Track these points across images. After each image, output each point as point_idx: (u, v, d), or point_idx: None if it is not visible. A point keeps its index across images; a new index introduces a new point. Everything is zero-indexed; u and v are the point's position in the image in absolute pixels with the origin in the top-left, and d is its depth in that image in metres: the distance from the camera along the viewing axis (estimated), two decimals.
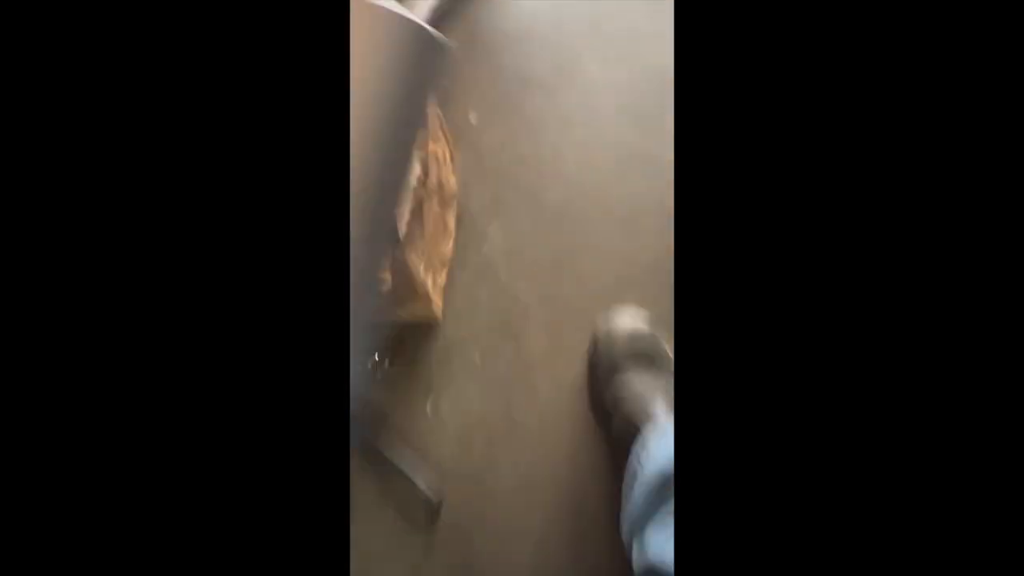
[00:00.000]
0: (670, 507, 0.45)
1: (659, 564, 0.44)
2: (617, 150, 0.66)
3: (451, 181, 0.60)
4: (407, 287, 0.52)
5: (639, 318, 0.57)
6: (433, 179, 0.51)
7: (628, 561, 0.47)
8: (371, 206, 0.28)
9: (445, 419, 0.58)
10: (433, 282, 0.58)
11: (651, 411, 0.51)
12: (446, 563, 0.53)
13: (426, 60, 0.29)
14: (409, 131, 0.29)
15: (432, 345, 0.61)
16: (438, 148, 0.54)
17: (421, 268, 0.53)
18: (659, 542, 0.44)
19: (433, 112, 0.52)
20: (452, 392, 0.59)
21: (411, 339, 0.61)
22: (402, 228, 0.45)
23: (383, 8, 0.28)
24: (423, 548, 0.54)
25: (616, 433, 0.53)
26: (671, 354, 0.56)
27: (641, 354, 0.55)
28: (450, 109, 0.67)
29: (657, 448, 0.47)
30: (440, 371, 0.60)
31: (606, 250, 0.62)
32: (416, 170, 0.46)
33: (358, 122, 0.27)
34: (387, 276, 0.52)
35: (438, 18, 0.33)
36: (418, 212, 0.48)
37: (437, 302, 0.59)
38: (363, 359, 0.33)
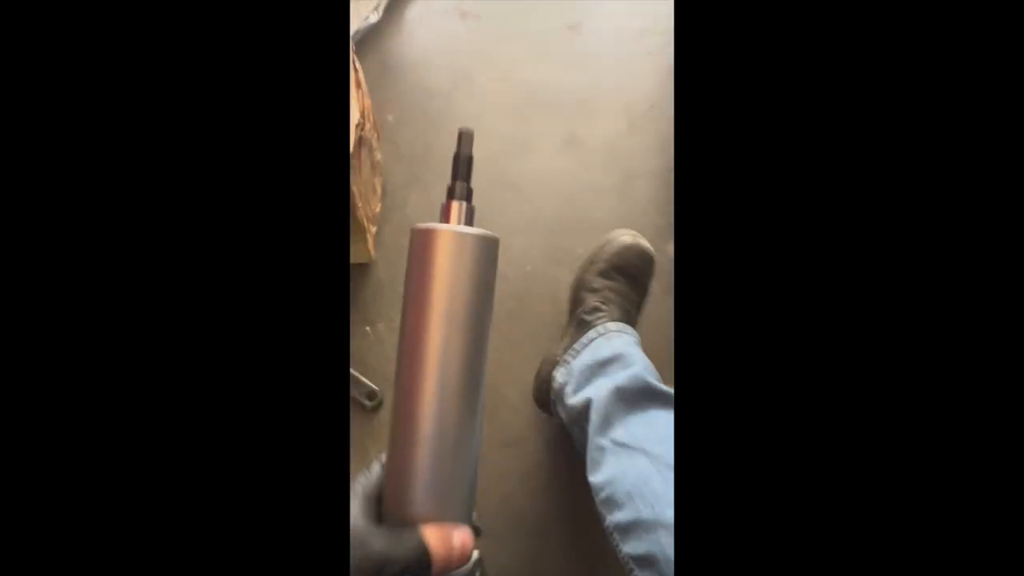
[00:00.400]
0: (590, 391, 0.58)
1: (578, 418, 0.58)
2: (501, 141, 0.88)
3: (378, 156, 0.79)
4: (354, 226, 0.69)
5: (640, 238, 0.69)
6: (368, 133, 0.68)
7: (544, 386, 0.63)
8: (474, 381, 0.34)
9: (382, 337, 0.74)
10: (368, 231, 0.75)
11: (615, 317, 0.65)
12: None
13: (491, 259, 0.34)
14: (487, 319, 0.34)
15: (366, 281, 0.77)
16: (367, 122, 0.72)
17: (362, 215, 0.70)
18: (576, 407, 0.59)
19: (363, 92, 0.70)
20: (386, 316, 0.75)
21: (350, 280, 0.77)
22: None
23: (459, 232, 0.33)
24: (370, 428, 0.69)
25: (580, 312, 0.66)
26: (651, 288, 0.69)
27: (621, 266, 0.68)
28: (373, 112, 0.86)
29: (601, 343, 0.62)
30: (375, 303, 0.76)
31: (500, 208, 0.83)
32: (355, 115, 0.64)
33: (452, 320, 0.32)
34: None
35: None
36: (357, 154, 0.66)
37: (372, 247, 0.76)
38: None
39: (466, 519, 0.34)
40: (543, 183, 0.84)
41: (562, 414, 0.62)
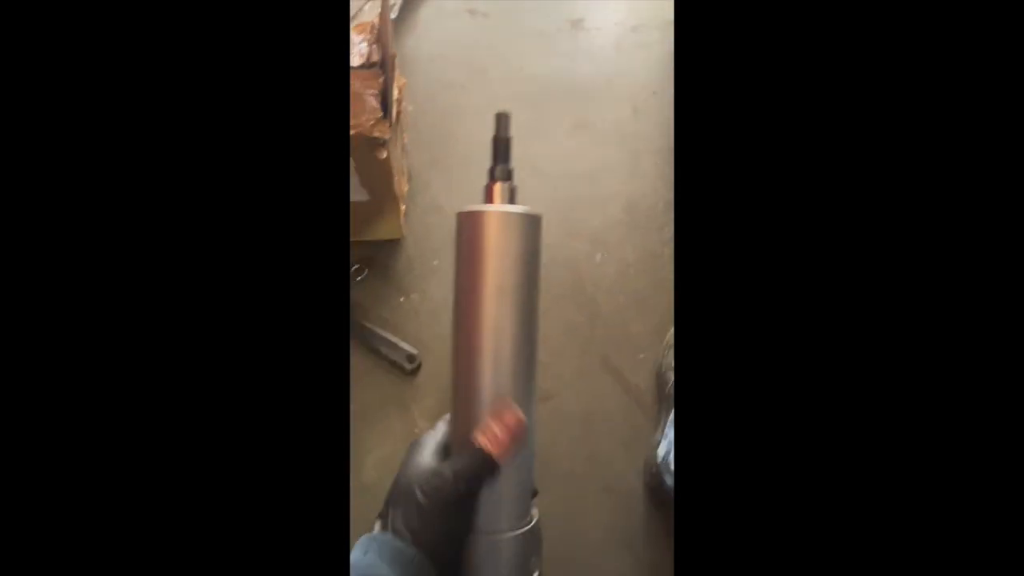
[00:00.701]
0: None
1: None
2: (515, 126, 0.94)
3: (406, 139, 0.84)
4: (390, 198, 0.74)
5: None
6: (401, 119, 0.73)
7: (653, 472, 0.63)
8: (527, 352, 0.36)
9: (416, 306, 0.79)
10: (400, 207, 0.80)
11: None
12: (429, 399, 0.73)
13: (536, 235, 0.36)
14: (536, 290, 0.36)
15: (399, 257, 0.82)
16: (404, 100, 0.77)
17: (397, 190, 0.75)
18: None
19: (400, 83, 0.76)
20: (419, 288, 0.80)
21: (381, 254, 0.81)
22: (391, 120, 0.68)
23: (505, 211, 0.36)
24: (411, 389, 0.73)
25: (668, 389, 0.69)
26: None
27: None
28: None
29: None
30: (407, 275, 0.81)
31: (519, 187, 0.88)
32: (396, 91, 0.69)
33: (504, 295, 0.34)
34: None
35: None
36: (396, 130, 0.71)
37: (402, 224, 0.81)
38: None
39: (528, 477, 0.36)
40: (557, 163, 0.89)
41: (670, 482, 0.61)
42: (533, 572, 0.36)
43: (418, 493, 0.33)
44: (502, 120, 0.39)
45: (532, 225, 0.36)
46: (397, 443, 0.71)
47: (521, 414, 0.35)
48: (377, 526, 0.35)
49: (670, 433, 0.65)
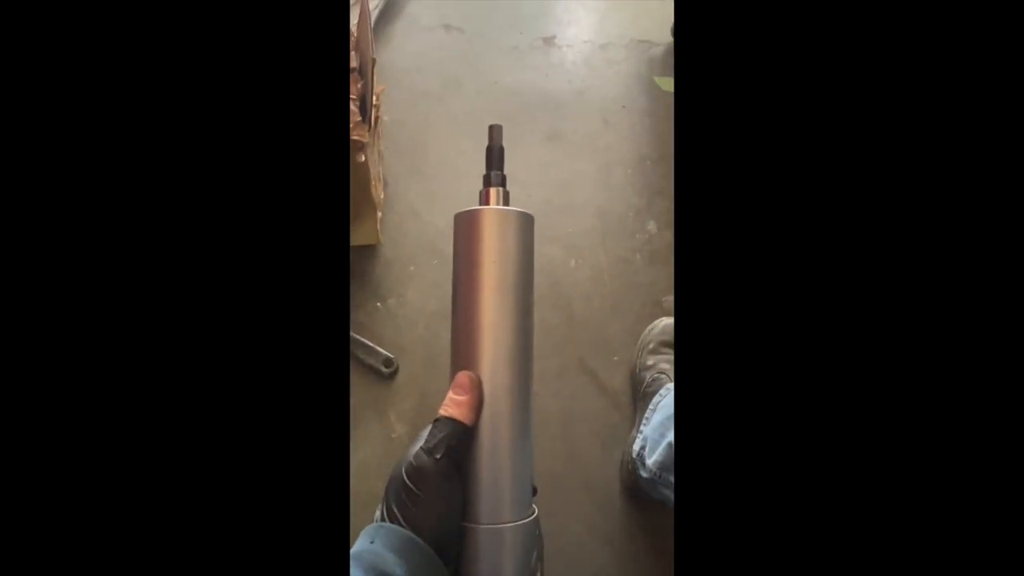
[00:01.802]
0: (669, 437, 0.59)
1: (661, 472, 0.61)
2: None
3: (381, 147, 0.85)
4: (367, 204, 0.74)
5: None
6: (378, 126, 0.74)
7: (629, 468, 0.64)
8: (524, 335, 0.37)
9: (393, 311, 0.79)
10: (377, 213, 0.80)
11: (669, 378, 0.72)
12: (406, 403, 0.73)
13: (531, 232, 0.38)
14: (531, 285, 0.38)
15: (376, 263, 0.82)
16: (380, 106, 0.78)
17: (375, 195, 0.76)
18: (658, 461, 0.61)
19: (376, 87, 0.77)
20: (396, 293, 0.80)
21: (358, 260, 0.81)
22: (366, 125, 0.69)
23: (502, 209, 0.37)
24: (388, 394, 0.73)
25: (644, 388, 0.71)
26: None
27: (668, 342, 0.75)
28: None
29: (669, 400, 0.67)
30: (384, 280, 0.81)
31: None
32: (374, 96, 0.70)
33: (502, 288, 0.35)
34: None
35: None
36: (375, 136, 0.71)
37: (379, 230, 0.81)
38: None
39: (528, 470, 0.37)
40: (531, 172, 0.92)
41: (644, 475, 0.62)
42: (535, 571, 0.37)
43: (405, 478, 0.33)
44: (495, 131, 0.40)
45: (527, 223, 0.38)
46: (375, 447, 0.70)
47: (472, 374, 0.36)
48: (377, 515, 0.35)
49: (645, 430, 0.67)
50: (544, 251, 0.84)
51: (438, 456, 0.34)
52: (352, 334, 0.75)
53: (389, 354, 0.74)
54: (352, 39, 0.70)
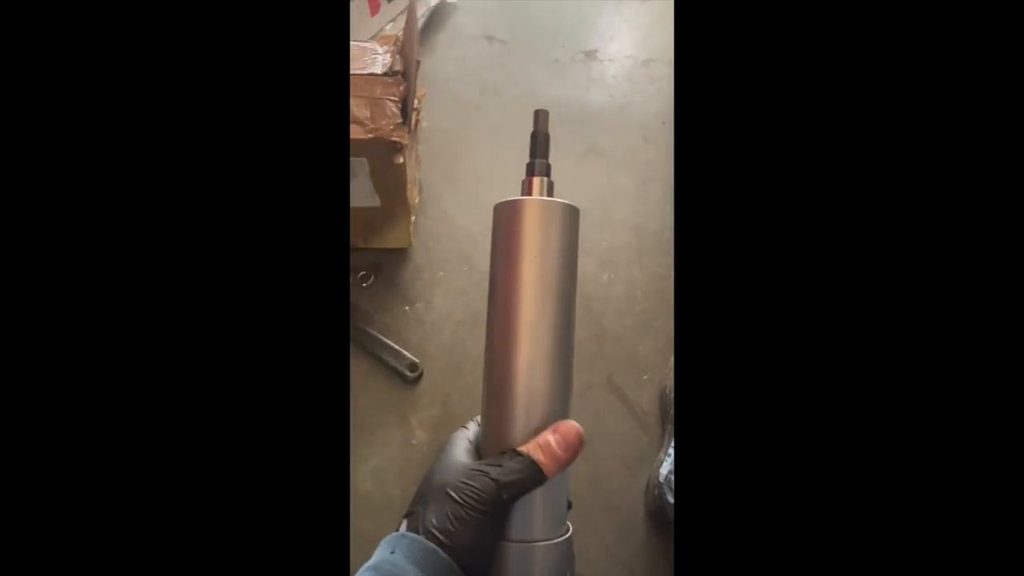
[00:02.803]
0: None
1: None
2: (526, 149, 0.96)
3: (420, 152, 0.85)
4: (401, 206, 0.74)
5: None
6: (417, 129, 0.73)
7: (655, 492, 0.62)
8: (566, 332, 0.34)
9: (420, 316, 0.78)
10: (410, 217, 0.80)
11: None
12: (429, 410, 0.71)
13: (575, 226, 0.35)
14: (574, 282, 0.35)
15: (406, 266, 0.81)
16: (421, 110, 0.78)
17: (409, 198, 0.76)
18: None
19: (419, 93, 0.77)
20: (424, 298, 0.79)
21: (388, 262, 0.81)
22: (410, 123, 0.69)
23: (546, 200, 0.35)
24: (411, 399, 0.72)
25: (670, 420, 0.68)
26: None
27: None
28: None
29: None
30: (413, 284, 0.80)
31: None
32: (416, 103, 0.70)
33: (543, 284, 0.33)
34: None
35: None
36: (414, 138, 0.71)
37: (411, 234, 0.81)
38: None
39: (564, 486, 0.34)
40: (568, 184, 0.90)
41: (671, 500, 0.61)
42: None
43: (453, 494, 0.31)
44: (541, 116, 0.37)
45: (572, 216, 0.35)
46: (394, 453, 0.69)
47: (581, 429, 0.33)
48: (404, 525, 0.33)
49: (672, 452, 0.64)
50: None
51: (505, 496, 0.31)
52: (378, 335, 0.74)
53: (415, 358, 0.73)
54: (397, 44, 0.70)
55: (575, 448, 0.32)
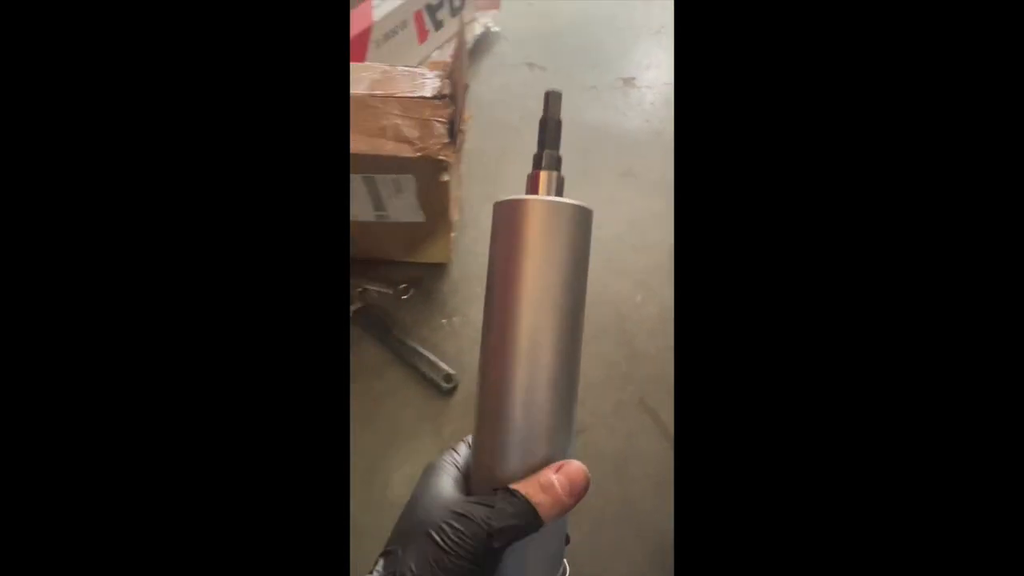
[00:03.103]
0: None
1: None
2: (565, 170, 0.98)
3: (460, 172, 0.88)
4: (443, 222, 0.77)
5: None
6: (461, 150, 0.76)
7: None
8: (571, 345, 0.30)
9: (457, 329, 0.80)
10: (450, 233, 0.82)
11: None
12: (462, 422, 0.73)
13: (586, 232, 0.30)
14: (582, 298, 0.30)
15: (445, 280, 0.84)
16: (466, 130, 0.82)
17: (451, 213, 0.78)
18: None
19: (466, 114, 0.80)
20: (461, 312, 0.81)
21: (428, 276, 0.84)
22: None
23: (551, 201, 0.30)
24: (446, 410, 0.73)
25: None
26: None
27: None
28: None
29: None
30: (451, 298, 0.83)
31: None
32: (463, 119, 0.73)
33: (544, 299, 0.28)
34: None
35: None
36: (458, 157, 0.74)
37: (451, 249, 0.84)
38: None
39: (563, 522, 0.31)
40: (603, 207, 0.92)
41: None
42: None
43: (436, 537, 0.27)
44: (552, 99, 0.32)
45: (582, 219, 0.30)
46: (427, 461, 0.70)
47: (587, 471, 0.29)
48: (380, 564, 0.29)
49: None
50: (611, 284, 0.84)
51: (496, 544, 0.27)
52: (416, 346, 0.77)
53: (450, 370, 0.74)
54: (446, 68, 0.74)
55: (580, 493, 0.29)
